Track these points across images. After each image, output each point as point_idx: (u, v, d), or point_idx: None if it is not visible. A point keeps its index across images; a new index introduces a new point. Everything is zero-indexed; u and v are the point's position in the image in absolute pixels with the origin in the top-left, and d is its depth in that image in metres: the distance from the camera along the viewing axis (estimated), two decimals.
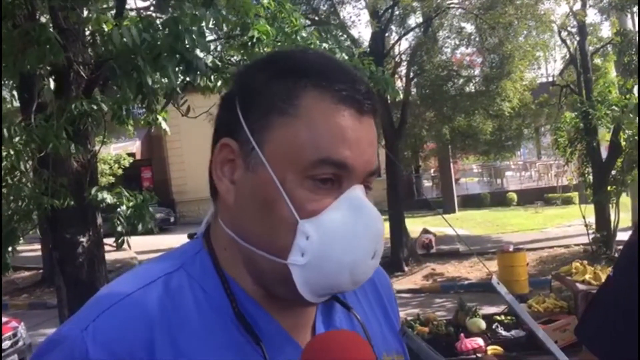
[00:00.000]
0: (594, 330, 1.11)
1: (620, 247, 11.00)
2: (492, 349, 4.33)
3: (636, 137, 10.03)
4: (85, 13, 3.87)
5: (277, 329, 0.78)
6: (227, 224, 0.79)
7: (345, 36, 11.43)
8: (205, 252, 0.81)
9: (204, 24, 3.46)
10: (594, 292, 4.64)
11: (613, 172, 10.82)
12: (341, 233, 0.73)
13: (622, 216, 11.40)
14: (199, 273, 0.78)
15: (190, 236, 0.87)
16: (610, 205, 10.95)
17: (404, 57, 13.85)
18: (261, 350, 0.74)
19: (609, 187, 10.75)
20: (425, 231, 13.38)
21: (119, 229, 3.94)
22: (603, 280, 4.90)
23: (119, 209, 3.96)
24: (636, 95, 10.68)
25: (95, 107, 3.64)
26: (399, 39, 13.64)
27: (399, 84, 13.25)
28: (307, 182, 0.73)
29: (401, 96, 10.32)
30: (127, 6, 4.65)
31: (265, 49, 3.95)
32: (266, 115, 0.75)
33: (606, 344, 1.08)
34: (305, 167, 0.72)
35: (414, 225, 14.39)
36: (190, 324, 0.74)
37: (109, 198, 3.93)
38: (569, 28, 12.68)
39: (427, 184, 24.60)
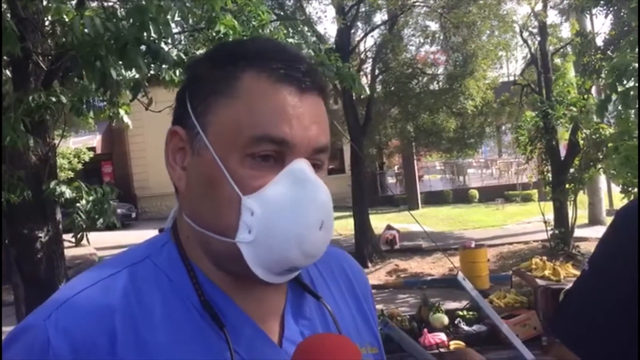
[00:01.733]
0: (570, 326, 1.12)
1: (578, 243, 11.33)
2: (454, 344, 4.39)
3: (593, 137, 10.30)
4: (45, 2, 3.76)
5: (242, 316, 0.78)
6: (185, 212, 0.81)
7: (311, 32, 11.41)
8: (172, 243, 0.82)
9: (169, 16, 3.39)
10: (554, 287, 4.77)
11: (571, 171, 11.08)
12: (284, 205, 0.73)
13: (580, 213, 11.71)
14: (165, 263, 0.79)
15: (160, 231, 0.88)
16: (568, 203, 11.22)
17: (369, 54, 13.91)
18: (224, 335, 0.74)
19: (567, 185, 11.01)
20: (389, 227, 13.48)
21: (78, 223, 3.84)
22: (562, 275, 5.03)
23: (78, 204, 3.87)
24: (594, 95, 10.96)
25: (54, 99, 3.53)
26: (365, 36, 13.69)
27: (364, 80, 13.30)
28: (248, 160, 0.74)
29: (367, 92, 10.37)
30: None
31: None
32: (207, 99, 0.77)
33: (582, 339, 1.09)
34: (244, 145, 0.74)
35: (378, 222, 14.48)
36: (154, 312, 0.75)
37: (67, 192, 3.84)
38: (530, 28, 12.91)
39: (391, 180, 24.78)
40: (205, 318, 0.76)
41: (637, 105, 5.61)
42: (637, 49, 5.91)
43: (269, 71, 0.75)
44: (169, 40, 3.86)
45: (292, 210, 0.73)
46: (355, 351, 0.75)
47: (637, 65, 5.48)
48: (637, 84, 5.49)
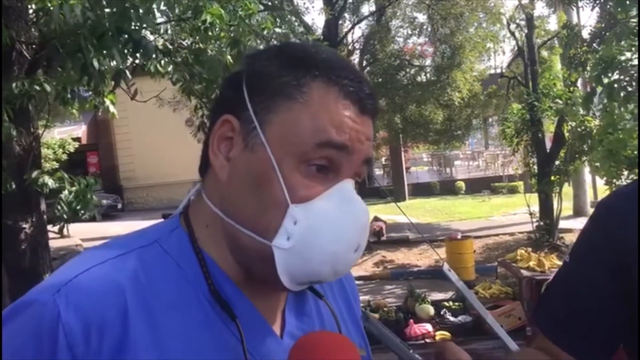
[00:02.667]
0: (551, 317, 1.13)
1: (562, 235, 11.44)
2: (440, 334, 4.42)
3: (579, 130, 10.38)
4: None
5: (250, 309, 0.78)
6: (214, 201, 0.80)
7: (298, 22, 11.37)
8: (182, 229, 0.81)
9: (154, 6, 3.35)
10: (538, 278, 4.82)
11: (557, 163, 11.16)
12: (329, 223, 0.74)
13: (565, 205, 11.80)
14: (174, 249, 0.78)
15: (164, 216, 0.87)
16: (554, 195, 11.30)
17: (357, 45, 13.90)
18: (236, 326, 0.74)
19: (552, 177, 11.09)
20: (376, 219, 13.52)
21: (60, 214, 3.81)
22: (547, 266, 5.08)
23: (61, 194, 3.83)
24: (580, 88, 11.03)
25: (38, 88, 3.49)
26: (352, 27, 13.68)
27: None
28: (303, 167, 0.74)
29: None
30: None
31: (218, 33, 3.88)
32: (272, 98, 0.76)
33: (563, 331, 1.10)
34: (304, 150, 0.74)
35: None
36: (165, 297, 0.73)
37: (50, 182, 3.79)
38: (517, 20, 12.95)
39: (378, 172, 24.84)
40: (214, 307, 0.75)
41: (623, 99, 5.65)
42: (622, 42, 5.95)
43: (340, 86, 0.77)
44: (154, 30, 3.82)
45: (335, 229, 0.74)
46: (353, 350, 0.75)
47: (622, 58, 5.52)
48: (621, 77, 5.53)
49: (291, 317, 0.84)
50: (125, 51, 3.27)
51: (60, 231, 3.86)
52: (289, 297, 0.86)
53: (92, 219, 4.11)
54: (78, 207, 3.79)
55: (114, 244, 0.79)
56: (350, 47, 13.84)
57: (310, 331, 0.83)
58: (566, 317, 1.09)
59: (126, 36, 3.14)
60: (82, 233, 13.03)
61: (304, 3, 14.88)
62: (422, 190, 20.93)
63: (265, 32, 4.78)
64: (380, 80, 13.40)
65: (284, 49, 0.83)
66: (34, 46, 3.90)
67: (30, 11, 4.06)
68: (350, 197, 0.76)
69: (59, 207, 3.78)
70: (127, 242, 0.79)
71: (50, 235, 4.39)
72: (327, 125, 0.74)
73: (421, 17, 13.84)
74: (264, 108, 0.76)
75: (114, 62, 3.35)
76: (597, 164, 7.36)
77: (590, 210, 14.20)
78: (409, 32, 14.08)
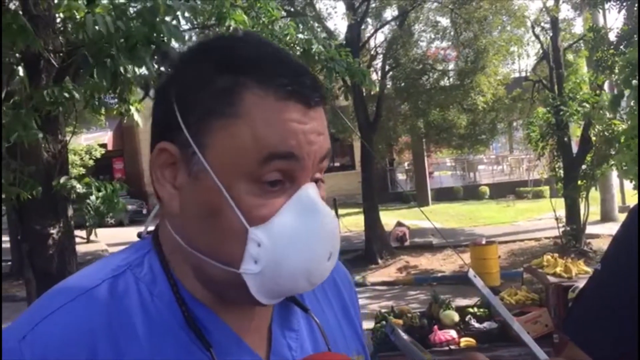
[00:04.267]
0: (582, 326, 1.11)
1: (589, 240, 11.26)
2: (465, 341, 4.37)
3: (606, 133, 10.21)
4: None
5: (227, 333, 0.75)
6: (174, 228, 0.75)
7: (321, 28, 11.40)
8: (153, 253, 0.77)
9: (179, 13, 3.39)
10: (565, 284, 4.74)
11: (583, 167, 11.00)
12: (294, 238, 0.69)
13: (592, 210, 11.63)
14: (147, 276, 0.75)
15: (139, 235, 0.83)
16: (580, 200, 11.14)
17: (379, 50, 13.87)
18: (210, 355, 0.71)
19: (579, 182, 10.93)
20: (399, 224, 13.46)
21: (88, 219, 3.86)
22: (574, 272, 5.00)
23: (88, 200, 3.89)
24: (607, 91, 10.86)
25: (66, 95, 3.55)
26: (375, 31, 13.66)
27: (375, 77, 13.27)
28: (255, 186, 0.69)
29: (377, 89, 10.35)
30: None
31: None
32: (205, 118, 0.70)
33: (594, 339, 1.08)
34: (251, 169, 0.68)
35: (388, 218, 14.46)
36: (136, 330, 0.71)
37: (78, 187, 3.85)
38: (542, 24, 12.82)
39: (401, 177, 24.72)
40: (189, 335, 0.72)
41: (638, 103, 5.55)
42: None
43: (275, 88, 0.69)
44: (182, 42, 3.86)
45: (302, 244, 0.70)
46: None
47: None
48: None
49: (278, 335, 0.81)
50: (152, 60, 3.31)
51: (88, 236, 3.92)
52: (275, 314, 0.82)
53: (119, 224, 4.16)
54: (105, 212, 3.84)
55: (88, 272, 0.76)
56: (372, 52, 13.82)
57: (299, 348, 0.81)
58: (599, 326, 1.07)
59: (154, 47, 3.19)
60: (108, 238, 13.20)
61: (327, 8, 14.98)
62: (446, 195, 20.79)
63: (287, 38, 4.80)
64: (403, 84, 13.35)
65: (208, 51, 0.74)
66: (61, 54, 3.97)
67: (57, 20, 4.14)
68: (310, 206, 0.71)
69: (87, 212, 3.84)
70: (100, 271, 0.75)
71: (77, 240, 4.44)
72: (268, 137, 0.68)
73: (444, 21, 13.78)
74: (198, 131, 0.70)
75: (141, 70, 3.40)
76: (626, 167, 7.23)
77: (619, 215, 14.01)
78: (432, 36, 14.01)
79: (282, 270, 0.69)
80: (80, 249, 6.66)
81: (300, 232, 0.70)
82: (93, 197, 3.85)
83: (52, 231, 4.06)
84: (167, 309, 0.73)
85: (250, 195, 0.69)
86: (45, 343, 0.67)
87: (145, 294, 0.73)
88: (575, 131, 11.53)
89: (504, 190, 20.33)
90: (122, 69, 3.15)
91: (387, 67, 13.40)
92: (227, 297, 0.74)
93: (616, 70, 8.73)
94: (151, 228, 0.84)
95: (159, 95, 0.76)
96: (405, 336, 1.44)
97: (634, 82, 5.61)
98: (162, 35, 3.14)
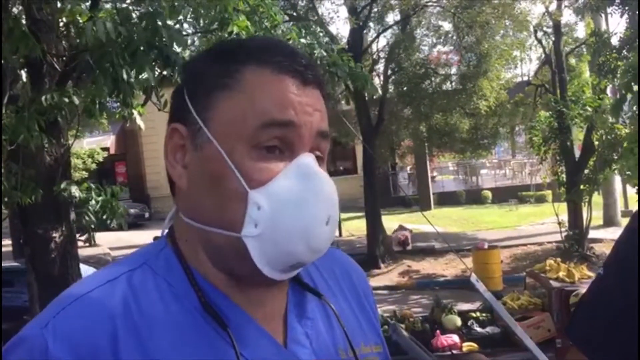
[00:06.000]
0: (584, 331, 1.11)
1: (592, 245, 11.23)
2: (467, 346, 4.36)
3: (608, 137, 10.20)
4: (59, 4, 3.78)
5: (244, 317, 0.78)
6: (185, 213, 0.80)
7: (323, 33, 11.41)
8: (169, 248, 0.81)
9: (181, 17, 3.40)
10: (568, 289, 4.73)
11: (586, 172, 10.99)
12: (292, 200, 0.73)
13: (594, 214, 11.61)
14: (163, 268, 0.78)
15: (155, 238, 0.87)
16: (583, 204, 11.12)
17: (381, 54, 13.89)
18: (229, 336, 0.73)
19: (581, 186, 10.91)
20: (401, 228, 13.44)
21: (87, 223, 3.87)
22: (577, 277, 4.98)
23: (88, 204, 3.90)
24: (609, 95, 10.85)
25: (67, 100, 3.55)
26: (377, 36, 13.68)
27: (377, 81, 13.28)
28: (255, 151, 0.74)
29: (380, 93, 10.36)
30: None
31: None
32: (209, 94, 0.77)
33: (597, 344, 1.08)
34: (250, 135, 0.74)
35: (391, 223, 14.45)
36: (155, 318, 0.73)
37: (77, 192, 3.86)
38: (544, 28, 12.83)
39: (403, 181, 24.72)
40: (207, 320, 0.75)
41: (639, 108, 5.54)
42: None
43: (272, 64, 0.76)
44: (184, 47, 3.87)
45: (300, 205, 0.73)
46: None
47: None
48: None
49: (294, 322, 0.83)
50: (154, 64, 3.31)
51: (88, 240, 3.92)
52: (290, 302, 0.84)
53: (120, 228, 4.17)
54: (104, 217, 3.84)
55: (104, 271, 0.79)
56: (375, 56, 13.83)
57: (315, 335, 0.82)
58: (602, 331, 1.07)
59: (156, 51, 3.19)
60: (111, 242, 13.21)
61: (329, 13, 15.01)
62: (448, 199, 20.77)
63: (290, 43, 4.80)
64: (405, 89, 13.36)
65: (215, 46, 0.85)
66: (64, 58, 3.98)
67: (61, 24, 4.15)
68: (308, 171, 0.75)
69: (87, 217, 3.84)
70: (116, 268, 0.79)
71: (79, 244, 4.45)
72: (267, 105, 0.74)
73: (446, 26, 13.79)
74: (204, 107, 0.77)
75: (143, 75, 3.40)
76: (629, 172, 7.22)
77: (621, 220, 13.98)
78: (434, 40, 14.03)
79: (280, 232, 0.73)
80: (83, 252, 6.67)
81: (297, 194, 0.73)
82: (93, 202, 3.85)
83: (54, 235, 4.06)
84: (183, 295, 0.76)
85: (250, 160, 0.74)
86: (66, 329, 0.70)
87: (162, 283, 0.77)
88: (578, 135, 11.53)
89: (507, 195, 20.31)
90: (124, 75, 3.15)
91: (389, 71, 13.40)
92: (234, 270, 0.77)
93: (618, 75, 8.72)
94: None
95: (175, 91, 0.84)
96: (407, 334, 1.44)
97: (636, 87, 5.60)
98: (164, 39, 3.15)
